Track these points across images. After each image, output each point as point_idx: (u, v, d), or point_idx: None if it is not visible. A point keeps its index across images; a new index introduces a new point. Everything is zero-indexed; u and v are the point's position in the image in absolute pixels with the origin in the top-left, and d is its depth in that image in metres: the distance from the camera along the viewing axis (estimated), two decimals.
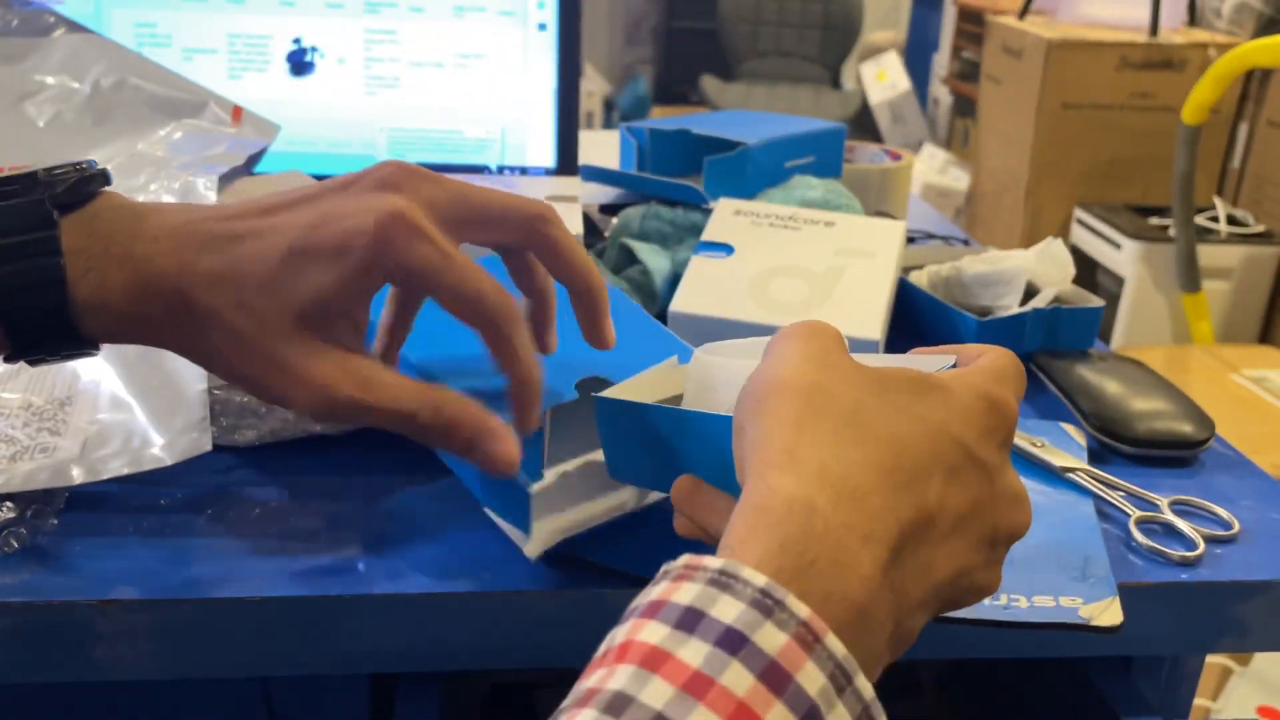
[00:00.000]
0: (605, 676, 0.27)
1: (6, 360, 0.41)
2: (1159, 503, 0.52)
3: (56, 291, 0.39)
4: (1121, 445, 0.57)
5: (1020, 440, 0.56)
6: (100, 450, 0.48)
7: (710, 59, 4.09)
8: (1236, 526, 0.50)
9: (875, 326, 0.62)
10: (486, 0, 0.84)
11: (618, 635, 0.28)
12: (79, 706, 0.57)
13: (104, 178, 0.41)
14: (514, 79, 0.86)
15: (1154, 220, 2.32)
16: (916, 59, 3.97)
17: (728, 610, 0.27)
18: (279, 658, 0.45)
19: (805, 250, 0.68)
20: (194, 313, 0.39)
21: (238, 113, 0.65)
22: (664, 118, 0.85)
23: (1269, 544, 0.50)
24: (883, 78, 3.86)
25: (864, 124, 3.85)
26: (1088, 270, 2.38)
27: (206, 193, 0.55)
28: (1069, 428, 0.59)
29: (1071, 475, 0.53)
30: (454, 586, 0.44)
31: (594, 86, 3.92)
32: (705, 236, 0.68)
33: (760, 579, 0.27)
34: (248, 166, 0.65)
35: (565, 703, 0.27)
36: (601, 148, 1.06)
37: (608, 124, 4.01)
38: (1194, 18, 2.62)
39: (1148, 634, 0.48)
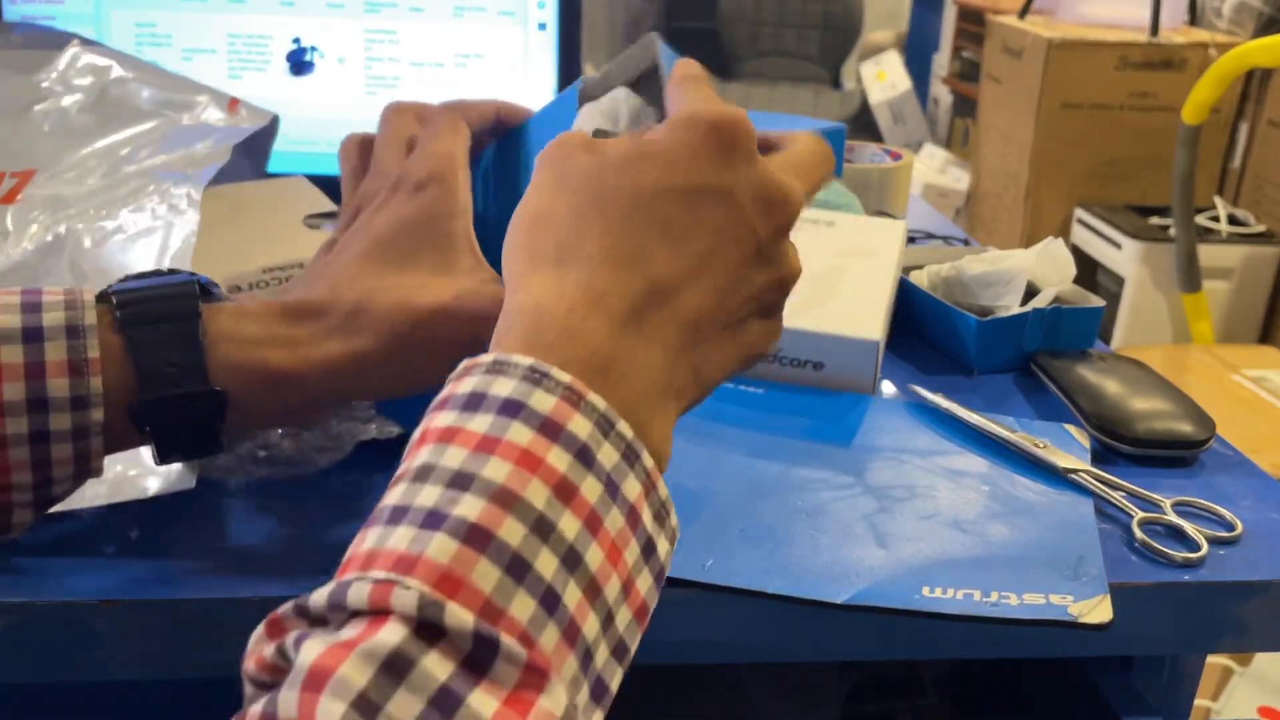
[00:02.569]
0: (410, 461, 0.31)
1: (135, 419, 0.40)
2: (1162, 504, 0.52)
3: (192, 324, 0.40)
4: (1122, 445, 0.57)
5: (1023, 441, 0.56)
6: None
7: (710, 59, 4.09)
8: (1239, 528, 0.50)
9: (875, 327, 0.62)
10: (486, 0, 0.84)
11: (416, 434, 0.32)
12: (79, 706, 0.57)
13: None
14: (514, 79, 0.86)
15: (1154, 220, 2.32)
16: (916, 59, 3.97)
17: (504, 387, 0.31)
18: None
19: (805, 250, 0.67)
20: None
21: (234, 105, 0.65)
22: None
23: (1269, 544, 0.50)
24: (882, 77, 3.86)
25: (864, 124, 3.85)
26: (1088, 270, 2.38)
27: (188, 209, 0.55)
28: (1072, 429, 0.59)
29: (1074, 476, 0.53)
30: None
31: None
32: None
33: (527, 360, 0.32)
34: (255, 162, 0.65)
35: (384, 495, 0.31)
36: None
37: None
38: (1194, 17, 2.62)
39: (1148, 634, 0.48)
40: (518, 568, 0.28)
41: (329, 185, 0.68)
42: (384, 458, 0.53)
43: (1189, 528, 0.50)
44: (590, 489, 0.31)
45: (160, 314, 0.40)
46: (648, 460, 0.33)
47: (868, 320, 0.62)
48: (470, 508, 0.29)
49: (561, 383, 0.32)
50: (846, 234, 0.70)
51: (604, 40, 4.46)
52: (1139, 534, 0.49)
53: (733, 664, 0.68)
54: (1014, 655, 0.47)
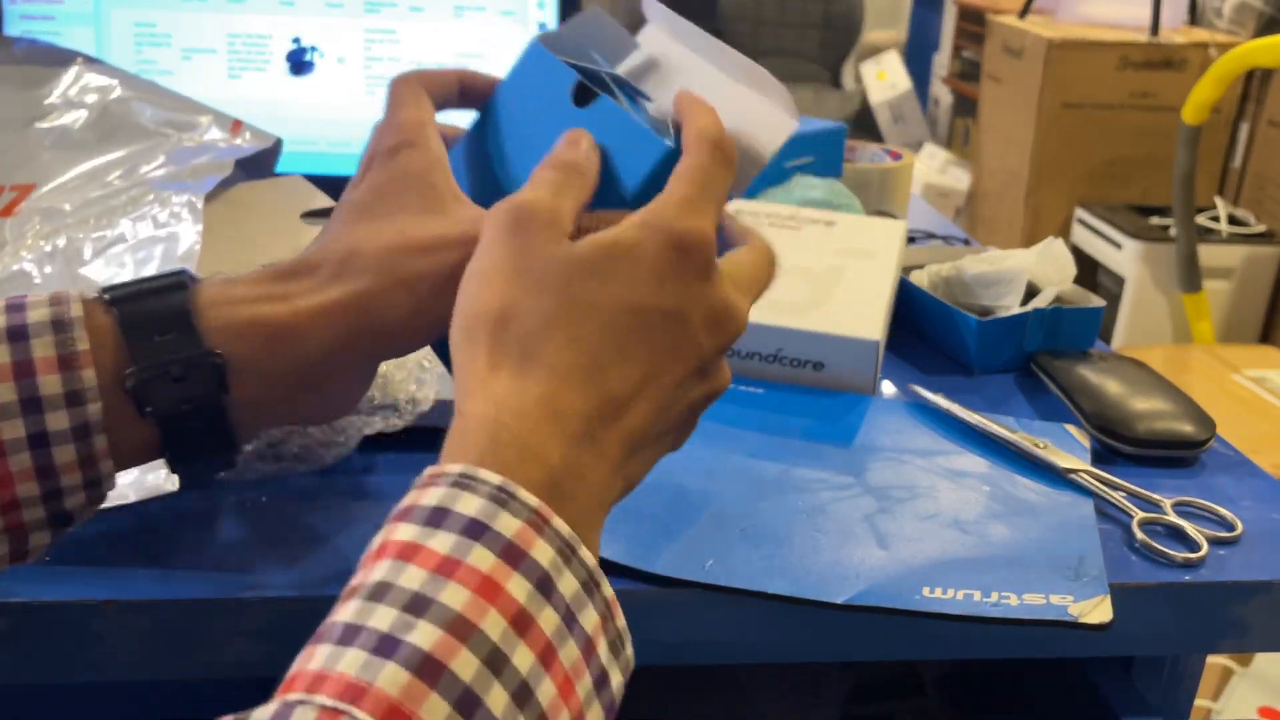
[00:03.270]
0: (366, 573, 0.30)
1: (134, 392, 0.38)
2: (1162, 504, 0.52)
3: (180, 295, 0.39)
4: (1122, 445, 0.57)
5: (1023, 441, 0.56)
6: None
7: None
8: (1239, 527, 0.50)
9: (875, 327, 0.62)
10: (486, 0, 0.84)
11: (375, 542, 0.32)
12: (79, 706, 0.57)
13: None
14: None
15: (1155, 220, 2.32)
16: (917, 59, 3.97)
17: (470, 505, 0.31)
18: (279, 658, 0.45)
19: (805, 250, 0.68)
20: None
21: (237, 126, 0.65)
22: None
23: (1269, 544, 0.50)
24: (883, 77, 3.86)
25: (864, 123, 3.84)
26: (1088, 270, 2.38)
27: (189, 217, 0.55)
28: (1072, 429, 0.59)
29: (1074, 476, 0.53)
30: None
31: None
32: None
33: (496, 478, 0.32)
34: (255, 173, 0.65)
35: (335, 606, 0.30)
36: None
37: None
38: (1194, 17, 2.62)
39: (1148, 634, 0.48)
40: (468, 704, 0.28)
41: (329, 185, 0.67)
42: (389, 452, 0.53)
43: (1189, 528, 0.50)
44: (548, 620, 0.30)
45: (147, 291, 0.39)
46: (607, 590, 0.33)
47: (868, 320, 0.62)
48: (424, 636, 0.28)
49: (528, 505, 0.31)
50: (846, 234, 0.70)
51: None
52: (1139, 534, 0.49)
53: (733, 664, 0.68)
54: (1014, 655, 0.47)
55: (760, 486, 0.52)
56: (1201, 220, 2.24)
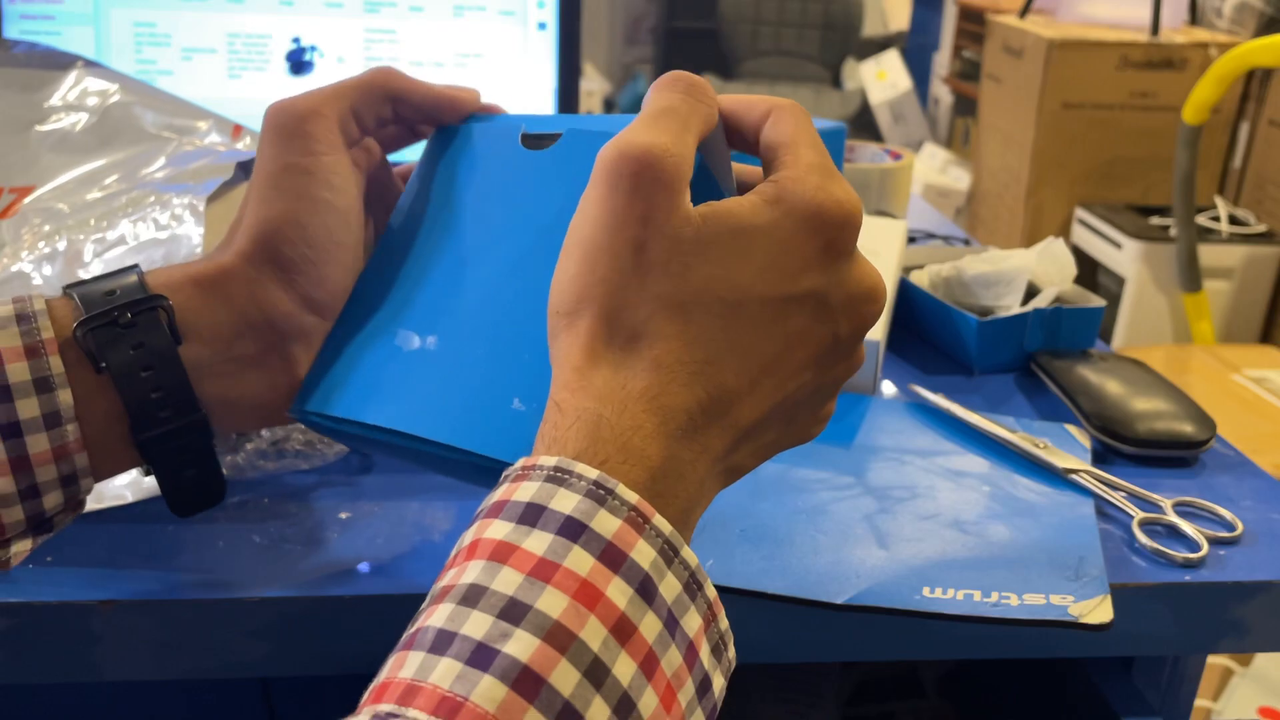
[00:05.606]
0: (458, 573, 0.29)
1: (80, 329, 0.39)
2: (1162, 504, 0.51)
3: (129, 272, 0.41)
4: (1122, 445, 0.57)
5: (1023, 441, 0.56)
6: None
7: (710, 59, 4.09)
8: (1240, 528, 0.50)
9: (876, 327, 0.62)
10: (486, 0, 0.84)
11: (466, 537, 0.30)
12: (79, 706, 0.57)
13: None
14: (514, 79, 0.86)
15: (1155, 220, 2.32)
16: (917, 58, 3.97)
17: (566, 502, 0.29)
18: (279, 658, 0.45)
19: None
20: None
21: (238, 131, 0.65)
22: None
23: (1269, 544, 0.50)
24: (883, 77, 3.86)
25: (864, 123, 3.85)
26: (1089, 270, 2.38)
27: (190, 219, 0.55)
28: (1072, 429, 0.59)
29: (1074, 477, 0.53)
30: None
31: (594, 86, 3.91)
32: None
33: (593, 472, 0.30)
34: (248, 171, 0.65)
35: (423, 605, 0.29)
36: None
37: None
38: (1195, 17, 2.62)
39: (1148, 634, 0.48)
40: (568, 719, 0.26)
41: None
42: (382, 459, 0.53)
43: (1189, 528, 0.49)
44: (649, 627, 0.29)
45: (99, 278, 0.41)
46: (710, 591, 0.31)
47: None
48: (522, 646, 0.27)
49: (628, 503, 0.30)
50: None
51: (604, 40, 4.45)
52: (1139, 534, 0.49)
53: None
54: (1014, 655, 0.47)
55: (760, 487, 0.52)
56: (1201, 220, 2.24)
